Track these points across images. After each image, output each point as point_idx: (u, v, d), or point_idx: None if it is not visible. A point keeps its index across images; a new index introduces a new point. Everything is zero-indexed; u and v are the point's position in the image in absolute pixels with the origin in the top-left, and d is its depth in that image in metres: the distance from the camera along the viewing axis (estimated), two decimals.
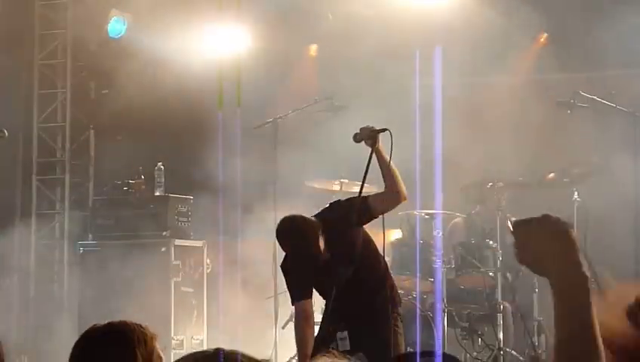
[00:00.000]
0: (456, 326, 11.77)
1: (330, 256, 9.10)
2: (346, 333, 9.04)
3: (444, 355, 4.39)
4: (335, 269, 8.97)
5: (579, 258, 2.81)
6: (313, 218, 9.23)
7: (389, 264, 9.93)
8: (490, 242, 12.01)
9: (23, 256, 15.38)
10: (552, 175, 12.39)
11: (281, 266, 9.54)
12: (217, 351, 3.23)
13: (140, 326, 4.70)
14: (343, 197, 10.06)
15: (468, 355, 11.74)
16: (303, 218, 9.20)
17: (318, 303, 10.00)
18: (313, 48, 15.00)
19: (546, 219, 2.92)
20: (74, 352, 4.64)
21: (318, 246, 9.04)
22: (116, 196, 14.44)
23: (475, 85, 13.27)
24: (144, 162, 14.36)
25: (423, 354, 3.50)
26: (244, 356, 3.13)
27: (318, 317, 10.27)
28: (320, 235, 9.08)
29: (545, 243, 2.86)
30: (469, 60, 13.23)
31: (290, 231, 9.16)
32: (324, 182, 12.99)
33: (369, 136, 8.85)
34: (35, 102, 15.72)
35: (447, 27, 12.36)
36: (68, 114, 15.68)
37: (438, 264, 11.42)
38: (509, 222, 12.11)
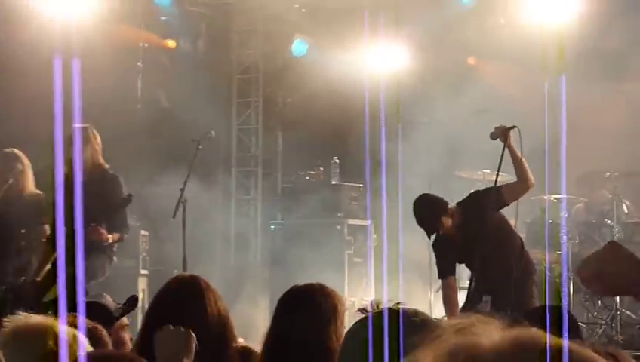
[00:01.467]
0: (580, 291, 11.57)
1: (469, 236, 9.11)
2: (489, 297, 9.06)
3: (568, 313, 4.57)
4: (475, 246, 8.97)
5: None
6: (452, 206, 9.29)
7: (524, 240, 9.86)
8: (608, 221, 11.80)
9: (225, 233, 15.66)
10: None
11: (432, 245, 9.63)
12: (398, 304, 3.08)
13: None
14: (482, 187, 10.11)
15: (590, 314, 11.63)
16: (433, 198, 9.37)
17: (466, 272, 10.12)
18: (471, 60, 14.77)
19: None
20: (280, 304, 4.74)
21: (440, 222, 9.17)
22: (300, 184, 14.56)
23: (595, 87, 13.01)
24: (322, 156, 14.47)
25: (552, 307, 3.33)
26: (411, 310, 2.98)
27: (465, 283, 10.47)
28: (449, 215, 9.19)
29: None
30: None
31: (421, 208, 9.31)
32: (470, 172, 12.95)
33: (502, 133, 8.90)
34: (234, 109, 16.05)
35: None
36: (260, 118, 15.98)
37: (564, 240, 11.29)
38: (623, 205, 12.16)
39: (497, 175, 8.99)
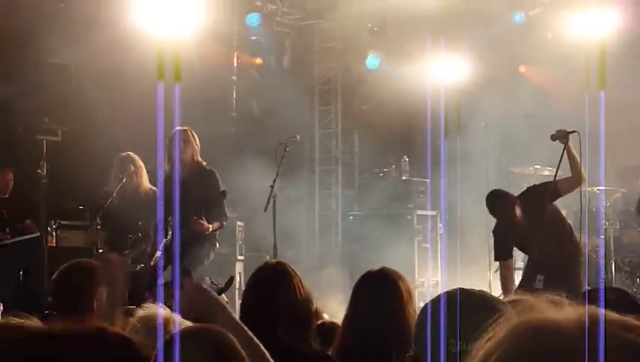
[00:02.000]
0: (620, 271, 11.55)
1: (527, 223, 9.24)
2: (542, 276, 9.17)
3: (618, 290, 4.26)
4: (532, 233, 9.16)
5: None
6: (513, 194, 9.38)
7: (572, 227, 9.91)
8: None
9: (310, 223, 15.85)
10: None
11: (493, 231, 9.69)
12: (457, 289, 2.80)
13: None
14: (537, 182, 10.18)
15: (630, 290, 11.11)
16: (504, 192, 9.43)
17: (520, 255, 10.26)
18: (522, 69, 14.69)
19: None
20: (356, 287, 4.72)
21: (514, 213, 9.23)
22: (375, 180, 14.60)
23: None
24: (393, 155, 14.51)
25: (607, 289, 2.98)
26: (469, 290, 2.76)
27: (519, 264, 10.60)
28: (517, 206, 9.25)
29: None
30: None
31: (494, 200, 9.38)
32: (522, 168, 12.82)
33: (563, 136, 9.03)
34: (317, 116, 16.17)
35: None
36: (339, 123, 16.09)
37: (601, 225, 11.22)
38: None
39: (557, 171, 9.14)
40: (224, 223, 9.85)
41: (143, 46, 11.40)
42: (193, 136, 9.88)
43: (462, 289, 2.69)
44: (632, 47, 12.46)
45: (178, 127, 9.66)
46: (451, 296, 2.63)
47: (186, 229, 9.05)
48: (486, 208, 9.51)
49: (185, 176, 9.39)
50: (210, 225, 9.52)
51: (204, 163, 9.97)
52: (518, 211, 9.28)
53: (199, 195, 9.41)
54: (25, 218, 10.65)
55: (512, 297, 2.93)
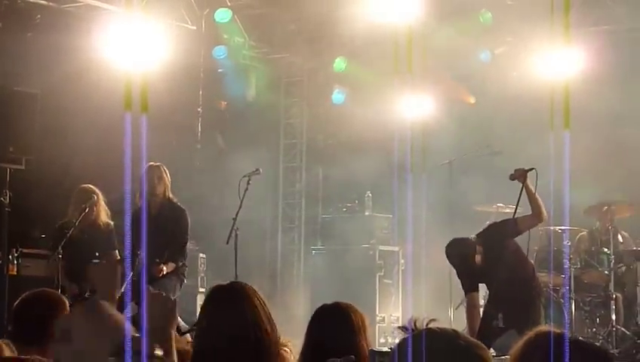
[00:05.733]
0: (581, 310, 11.60)
1: (488, 261, 9.26)
2: (501, 314, 9.13)
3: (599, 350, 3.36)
4: (493, 270, 9.15)
5: None
6: (472, 237, 9.41)
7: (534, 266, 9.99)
8: (606, 249, 11.74)
9: (272, 257, 15.79)
10: None
11: (457, 272, 9.72)
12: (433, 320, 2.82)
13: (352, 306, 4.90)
14: (498, 219, 10.30)
15: (589, 330, 11.51)
16: (460, 241, 9.43)
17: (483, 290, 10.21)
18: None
19: None
20: (312, 319, 4.88)
21: (473, 262, 9.29)
22: (337, 215, 14.62)
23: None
24: (357, 190, 14.48)
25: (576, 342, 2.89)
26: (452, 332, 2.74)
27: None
28: (476, 253, 9.30)
29: None
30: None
31: (454, 252, 9.41)
32: (486, 206, 12.82)
33: (521, 174, 9.06)
34: (281, 150, 16.13)
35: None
36: (304, 157, 16.06)
37: (566, 265, 11.21)
38: (619, 235, 12.22)
39: (516, 208, 9.16)
40: (179, 265, 9.98)
41: (110, 75, 11.37)
42: (165, 172, 10.01)
43: (431, 330, 2.69)
44: (596, 86, 12.54)
45: (151, 163, 9.72)
46: (420, 336, 2.63)
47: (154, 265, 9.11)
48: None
49: (156, 212, 9.44)
50: (164, 268, 9.71)
51: (175, 199, 10.06)
52: (478, 258, 9.32)
53: (168, 232, 9.53)
54: None
55: None
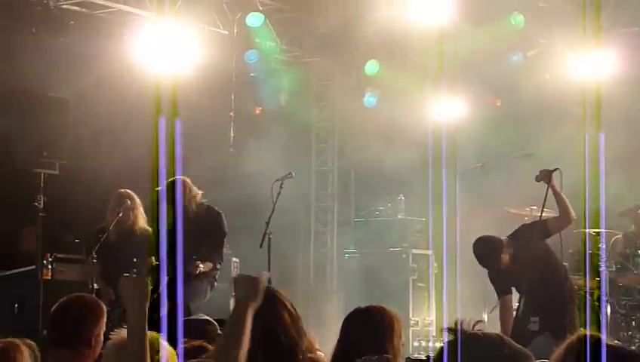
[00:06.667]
0: (616, 313, 11.53)
1: (518, 263, 9.24)
2: (537, 318, 9.18)
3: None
4: (522, 271, 9.15)
5: None
6: (504, 239, 9.38)
7: (567, 268, 9.99)
8: None
9: (305, 260, 15.78)
10: None
11: (488, 275, 9.66)
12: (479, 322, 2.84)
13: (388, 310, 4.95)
14: (529, 221, 10.24)
15: (624, 334, 11.46)
16: (489, 238, 9.43)
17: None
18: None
19: None
20: (344, 322, 4.91)
21: (500, 261, 9.27)
22: (370, 218, 14.61)
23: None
24: (390, 193, 14.49)
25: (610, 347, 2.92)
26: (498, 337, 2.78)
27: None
28: (503, 252, 9.27)
29: None
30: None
31: (479, 247, 9.39)
32: (519, 208, 12.58)
33: (546, 175, 9.10)
34: (313, 153, 16.12)
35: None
36: (336, 161, 16.00)
37: (602, 268, 11.08)
38: None
39: (542, 210, 9.16)
40: (217, 266, 9.95)
41: (142, 80, 11.43)
42: (189, 187, 9.85)
43: (474, 335, 2.67)
44: (628, 88, 12.47)
45: (179, 177, 9.72)
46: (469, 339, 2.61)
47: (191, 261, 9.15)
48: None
49: (193, 216, 9.47)
50: (201, 265, 9.65)
51: (208, 203, 10.04)
52: (505, 257, 9.28)
53: (205, 234, 9.58)
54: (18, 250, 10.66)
55: None
